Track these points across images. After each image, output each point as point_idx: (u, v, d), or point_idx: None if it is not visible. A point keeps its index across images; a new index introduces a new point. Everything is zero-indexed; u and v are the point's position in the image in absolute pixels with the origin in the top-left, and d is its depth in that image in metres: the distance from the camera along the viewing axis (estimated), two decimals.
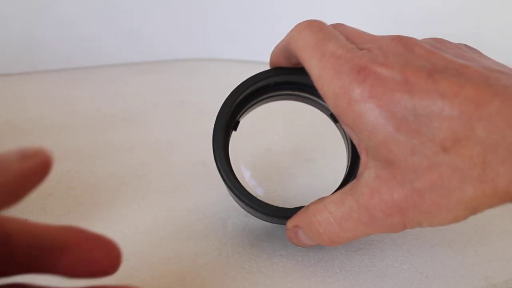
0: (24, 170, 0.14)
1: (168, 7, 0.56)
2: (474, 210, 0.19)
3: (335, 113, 0.21)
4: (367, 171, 0.21)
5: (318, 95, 0.27)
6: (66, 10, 0.52)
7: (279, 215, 0.25)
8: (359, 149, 0.22)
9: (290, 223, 0.25)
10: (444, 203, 0.19)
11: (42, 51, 0.53)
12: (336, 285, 0.25)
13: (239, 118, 0.27)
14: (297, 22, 0.26)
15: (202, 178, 0.34)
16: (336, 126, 0.28)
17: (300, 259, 0.27)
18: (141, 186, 0.33)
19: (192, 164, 0.36)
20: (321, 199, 0.23)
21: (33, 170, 0.15)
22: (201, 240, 0.28)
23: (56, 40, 0.53)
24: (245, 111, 0.27)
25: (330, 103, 0.21)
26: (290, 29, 0.24)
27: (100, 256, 0.18)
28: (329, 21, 0.24)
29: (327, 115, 0.29)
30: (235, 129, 0.26)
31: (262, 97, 0.27)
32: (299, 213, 0.24)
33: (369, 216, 0.21)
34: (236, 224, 0.29)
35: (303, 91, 0.27)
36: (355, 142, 0.23)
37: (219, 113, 0.25)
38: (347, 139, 0.27)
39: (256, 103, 0.28)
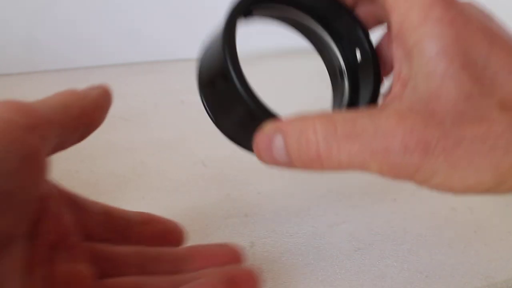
0: (99, 96, 0.20)
1: (168, 7, 0.56)
2: (500, 182, 0.17)
3: (397, 29, 0.19)
4: (398, 101, 0.18)
5: (339, 37, 0.25)
6: (66, 10, 0.52)
7: (262, 113, 0.20)
8: (395, 80, 0.20)
9: (272, 125, 0.19)
10: (477, 161, 0.17)
11: (42, 51, 0.53)
12: (336, 285, 0.25)
13: (254, 8, 0.24)
14: None
15: (202, 178, 0.34)
16: (338, 82, 0.26)
17: (300, 259, 0.27)
18: (141, 186, 0.33)
19: (192, 164, 0.36)
20: (326, 112, 0.19)
21: (103, 95, 0.21)
22: (202, 240, 0.28)
23: (56, 40, 0.53)
24: (262, 9, 0.24)
25: (398, 16, 0.19)
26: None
27: (171, 228, 0.24)
28: None
29: (334, 69, 0.26)
30: (246, 16, 0.24)
31: (286, 7, 0.25)
32: (290, 117, 0.20)
33: (384, 144, 0.17)
34: (236, 224, 0.29)
35: (326, 27, 0.25)
36: (396, 69, 0.20)
37: None
38: (342, 94, 0.25)
39: (276, 9, 0.25)
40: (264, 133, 0.20)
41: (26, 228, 0.17)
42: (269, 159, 0.20)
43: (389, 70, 0.24)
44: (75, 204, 0.22)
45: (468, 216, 0.31)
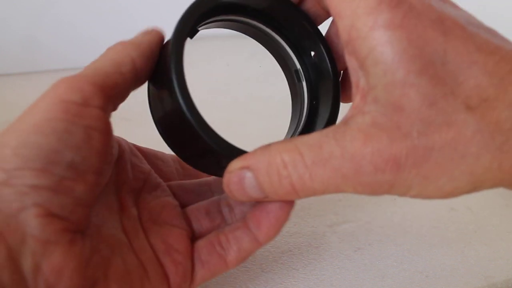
0: (149, 44, 0.21)
1: (168, 7, 0.56)
2: (477, 186, 0.17)
3: (346, 38, 0.18)
4: (361, 116, 0.17)
5: (293, 41, 0.24)
6: (66, 11, 0.52)
7: (225, 150, 0.19)
8: (355, 90, 0.19)
9: (238, 163, 0.19)
10: (450, 169, 0.16)
11: (42, 51, 0.53)
12: (336, 285, 0.25)
13: (200, 27, 0.23)
14: None
15: None
16: (296, 86, 0.25)
17: (301, 258, 0.27)
18: None
19: None
20: (290, 139, 0.19)
21: (154, 40, 0.21)
22: None
23: (56, 40, 0.53)
24: (210, 23, 0.24)
25: (344, 25, 0.18)
26: None
27: None
28: None
29: (290, 71, 0.25)
30: (191, 37, 0.22)
31: (234, 17, 0.24)
32: (254, 151, 0.19)
33: (353, 167, 0.17)
34: None
35: (279, 31, 0.24)
36: (353, 79, 0.19)
37: (186, 13, 0.21)
38: (302, 98, 0.25)
39: (225, 20, 0.24)
40: (233, 173, 0.19)
41: (109, 179, 0.20)
42: (244, 197, 0.19)
43: (343, 63, 0.23)
44: (148, 155, 0.25)
45: (468, 216, 0.31)
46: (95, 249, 0.18)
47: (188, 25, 0.21)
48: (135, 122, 0.43)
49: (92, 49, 0.55)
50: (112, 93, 0.19)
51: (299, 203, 0.32)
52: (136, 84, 0.21)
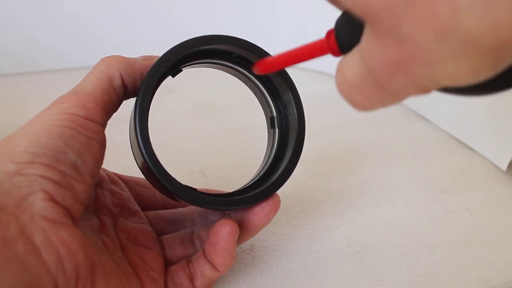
0: (146, 66, 0.23)
1: (167, 8, 0.56)
2: (497, 54, 0.13)
3: None
4: (367, 27, 0.15)
5: (272, 89, 0.26)
6: (67, 10, 0.52)
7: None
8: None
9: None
10: (446, 48, 0.13)
11: (42, 51, 0.53)
12: None
13: (184, 67, 0.24)
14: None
15: (202, 186, 0.34)
16: (270, 131, 0.27)
17: (299, 262, 0.27)
18: None
19: (189, 173, 0.36)
20: (343, 57, 0.17)
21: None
22: None
23: (56, 40, 0.53)
24: (195, 64, 0.25)
25: None
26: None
27: None
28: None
29: (267, 117, 0.27)
30: (173, 76, 0.24)
31: (220, 62, 0.25)
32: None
33: (376, 80, 0.15)
34: None
35: (260, 78, 0.26)
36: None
37: (169, 52, 0.22)
38: (273, 144, 0.26)
39: (211, 63, 0.25)
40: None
41: (90, 203, 0.23)
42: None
43: None
44: (130, 183, 0.27)
45: (467, 218, 0.31)
46: (89, 240, 0.20)
47: (160, 71, 0.22)
48: None
49: (92, 49, 0.56)
50: (110, 108, 0.22)
51: (298, 206, 0.32)
52: (127, 97, 0.23)
